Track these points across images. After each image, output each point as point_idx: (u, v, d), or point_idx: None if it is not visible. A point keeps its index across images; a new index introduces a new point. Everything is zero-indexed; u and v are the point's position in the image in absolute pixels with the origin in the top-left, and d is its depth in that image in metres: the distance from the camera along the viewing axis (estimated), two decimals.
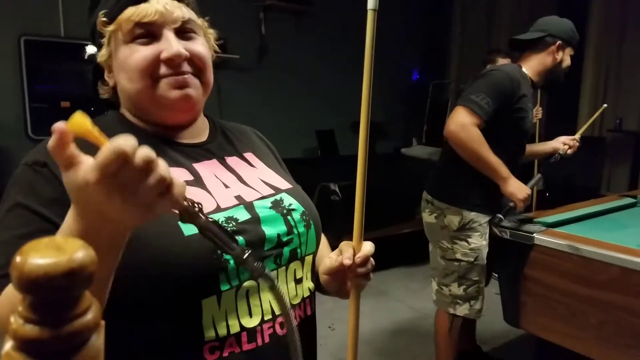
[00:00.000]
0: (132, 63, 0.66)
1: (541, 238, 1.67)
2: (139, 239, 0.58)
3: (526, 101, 1.86)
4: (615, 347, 1.49)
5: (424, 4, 6.53)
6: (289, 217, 0.72)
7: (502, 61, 3.36)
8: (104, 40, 0.69)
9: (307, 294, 0.76)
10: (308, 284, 0.76)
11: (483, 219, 1.91)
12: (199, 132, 0.76)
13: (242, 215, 0.67)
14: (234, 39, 5.09)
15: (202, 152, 0.73)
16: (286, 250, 0.70)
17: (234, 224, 0.65)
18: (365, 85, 0.73)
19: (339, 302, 3.10)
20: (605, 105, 2.51)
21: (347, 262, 0.69)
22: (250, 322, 0.64)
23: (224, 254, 0.61)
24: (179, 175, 0.65)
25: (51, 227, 0.59)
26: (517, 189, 1.81)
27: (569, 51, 1.95)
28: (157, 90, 0.67)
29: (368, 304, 3.08)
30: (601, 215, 2.07)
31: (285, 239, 0.70)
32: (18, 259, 0.28)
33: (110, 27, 0.67)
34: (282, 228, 0.70)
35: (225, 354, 0.63)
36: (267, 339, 0.64)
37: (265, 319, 0.66)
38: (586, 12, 4.49)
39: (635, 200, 2.30)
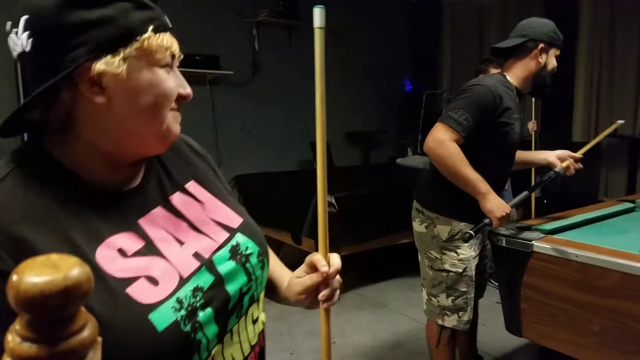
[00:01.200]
0: (167, 89, 0.63)
1: (540, 245, 1.67)
2: (105, 340, 0.53)
3: (510, 113, 1.83)
4: (618, 354, 1.48)
5: (414, 14, 6.60)
6: (247, 265, 0.70)
7: (494, 71, 3.39)
8: (122, 53, 0.58)
9: (261, 327, 0.76)
10: (261, 317, 0.76)
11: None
12: (139, 169, 0.69)
13: (206, 279, 0.64)
14: (228, 55, 5.14)
15: (144, 198, 0.67)
16: (246, 299, 0.70)
17: (200, 294, 0.62)
18: (319, 103, 0.74)
19: (337, 316, 3.06)
20: (621, 121, 2.29)
21: (325, 269, 0.70)
22: None
23: (197, 335, 0.60)
24: (128, 244, 0.61)
25: None
26: (495, 206, 1.74)
27: (553, 52, 1.89)
28: (165, 121, 0.64)
29: (367, 315, 3.06)
30: (600, 221, 2.07)
31: (245, 289, 0.69)
32: (14, 277, 0.28)
33: (136, 45, 0.59)
34: (243, 279, 0.69)
35: None
36: None
37: None
38: (576, 17, 4.54)
39: (633, 205, 2.30)
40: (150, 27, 0.59)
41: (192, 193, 0.73)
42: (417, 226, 2.01)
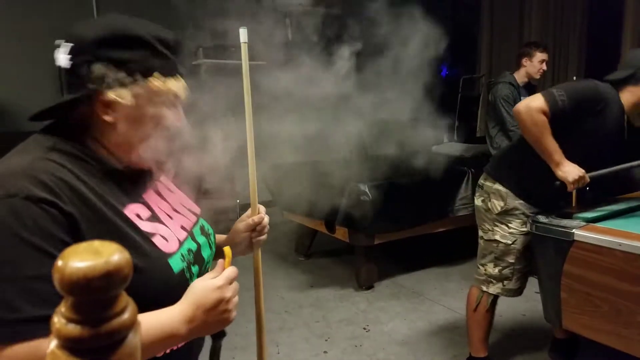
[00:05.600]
0: (166, 124, 0.79)
1: (581, 234, 1.62)
2: (141, 275, 0.71)
3: (605, 123, 1.83)
4: None
5: None
6: (209, 240, 0.96)
7: (539, 55, 3.29)
8: (133, 88, 0.75)
9: None
10: None
11: (527, 209, 1.97)
12: None
13: (192, 245, 0.87)
14: (261, 46, 5.16)
15: (144, 179, 0.86)
16: (210, 264, 0.94)
17: (192, 255, 0.85)
18: (248, 116, 0.95)
19: (372, 304, 3.04)
20: None
21: (263, 210, 1.02)
22: None
23: (191, 277, 0.83)
24: (141, 211, 0.80)
25: None
26: (567, 171, 1.80)
27: None
28: (159, 146, 0.81)
29: (403, 304, 3.05)
30: None
31: (210, 258, 0.95)
32: (60, 262, 0.29)
33: (143, 85, 0.75)
34: (209, 251, 0.94)
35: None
36: None
37: None
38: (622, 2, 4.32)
39: None
40: (156, 73, 0.76)
41: (164, 183, 0.94)
42: (476, 200, 2.16)
